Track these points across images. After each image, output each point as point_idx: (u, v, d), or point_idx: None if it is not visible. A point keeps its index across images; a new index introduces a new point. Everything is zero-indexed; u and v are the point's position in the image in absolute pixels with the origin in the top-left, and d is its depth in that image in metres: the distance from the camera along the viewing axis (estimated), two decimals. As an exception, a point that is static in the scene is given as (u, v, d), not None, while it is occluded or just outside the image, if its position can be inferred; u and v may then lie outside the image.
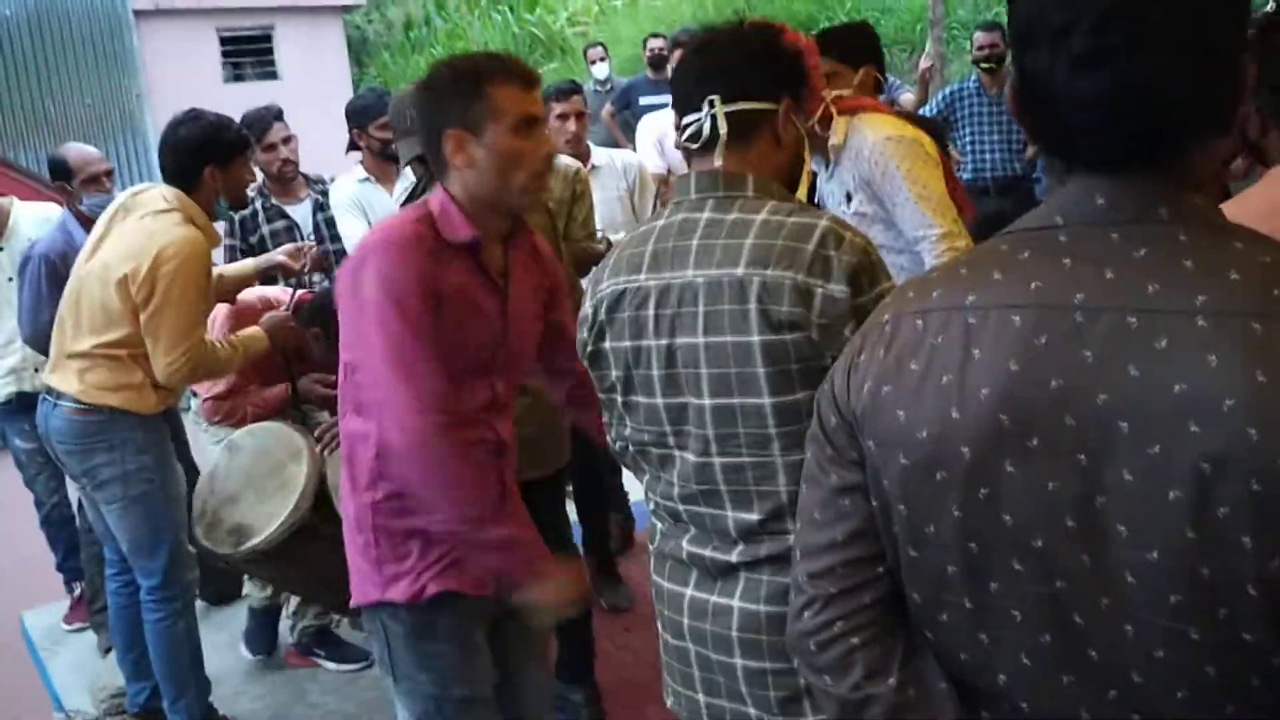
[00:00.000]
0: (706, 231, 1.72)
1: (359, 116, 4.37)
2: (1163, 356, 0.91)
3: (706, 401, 1.70)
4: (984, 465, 1.01)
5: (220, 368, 3.28)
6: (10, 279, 4.25)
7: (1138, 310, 0.93)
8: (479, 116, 2.03)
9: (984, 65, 6.13)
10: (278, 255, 3.75)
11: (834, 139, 3.00)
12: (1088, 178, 1.02)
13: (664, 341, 1.73)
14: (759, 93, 1.76)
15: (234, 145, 3.27)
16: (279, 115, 4.44)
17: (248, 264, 3.80)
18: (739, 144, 1.76)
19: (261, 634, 4.13)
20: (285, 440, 2.93)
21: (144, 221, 3.12)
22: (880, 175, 2.91)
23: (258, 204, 4.40)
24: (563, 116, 4.16)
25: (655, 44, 8.22)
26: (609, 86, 8.82)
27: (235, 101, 4.35)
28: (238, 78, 13.92)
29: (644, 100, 7.68)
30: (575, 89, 4.35)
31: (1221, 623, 0.91)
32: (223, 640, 4.19)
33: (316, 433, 3.06)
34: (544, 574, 2.08)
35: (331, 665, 4.01)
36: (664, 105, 5.20)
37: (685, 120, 1.80)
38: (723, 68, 1.77)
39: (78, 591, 4.60)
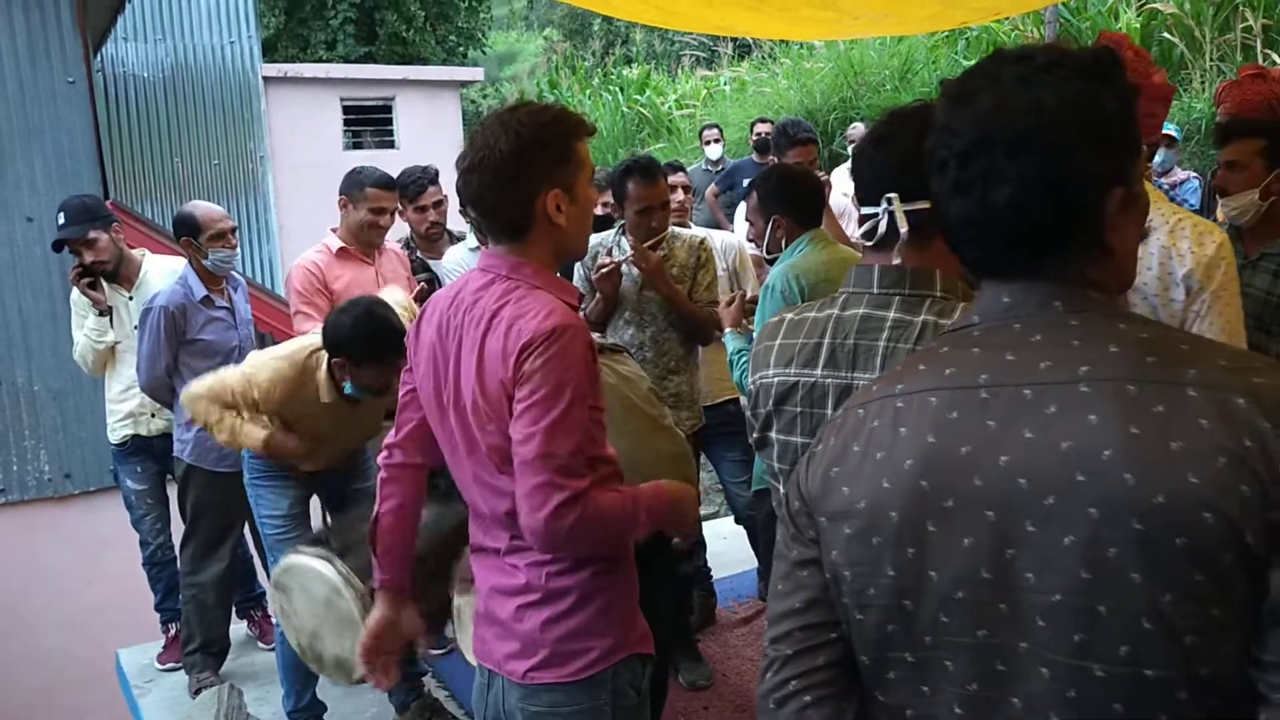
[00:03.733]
0: (894, 334, 1.65)
1: None
2: (1052, 420, 1.04)
3: None
4: (910, 526, 1.12)
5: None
6: (135, 327, 4.41)
7: (1032, 384, 1.07)
8: None
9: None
10: None
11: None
12: (994, 284, 1.17)
13: None
14: None
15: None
16: (434, 179, 4.56)
17: None
18: (918, 241, 1.67)
19: None
20: (317, 578, 2.89)
21: None
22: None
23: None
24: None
25: (761, 128, 8.36)
26: (720, 167, 8.99)
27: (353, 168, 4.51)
28: (356, 145, 14.39)
29: (747, 183, 7.77)
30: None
31: (1123, 659, 0.99)
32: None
33: None
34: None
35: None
36: (768, 189, 5.27)
37: (863, 212, 1.72)
38: (902, 165, 1.66)
39: (173, 632, 4.72)
